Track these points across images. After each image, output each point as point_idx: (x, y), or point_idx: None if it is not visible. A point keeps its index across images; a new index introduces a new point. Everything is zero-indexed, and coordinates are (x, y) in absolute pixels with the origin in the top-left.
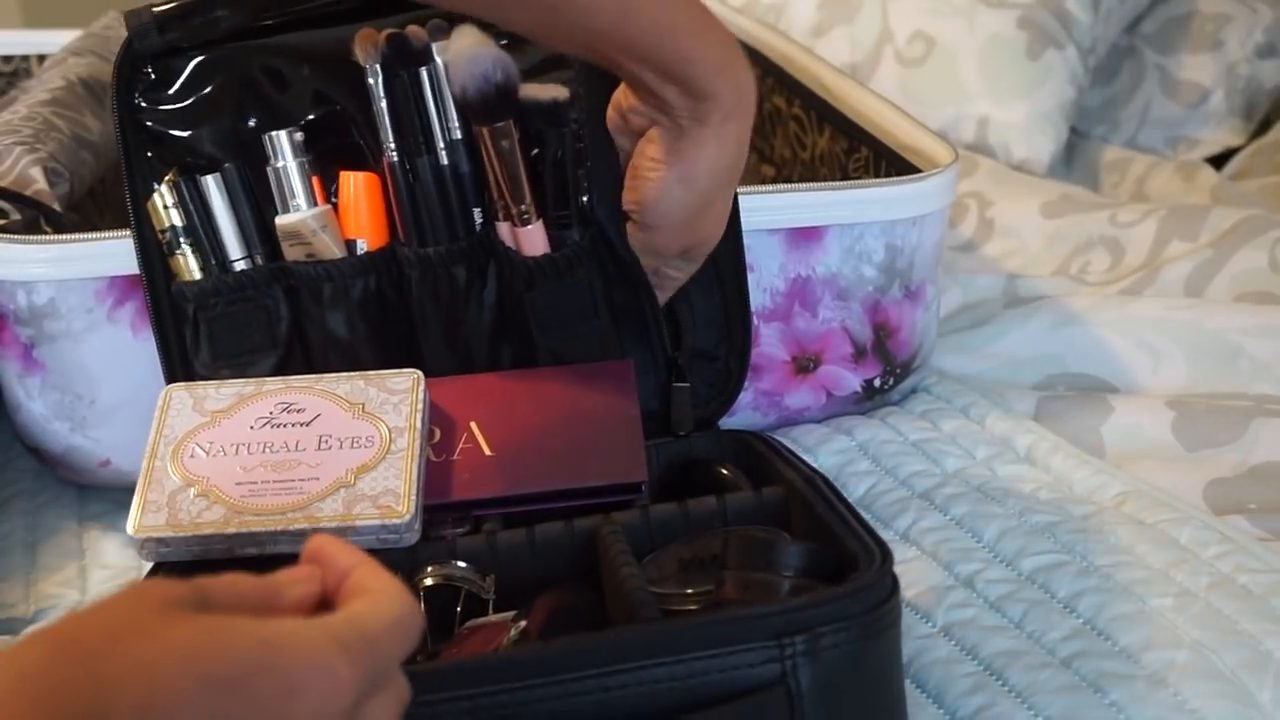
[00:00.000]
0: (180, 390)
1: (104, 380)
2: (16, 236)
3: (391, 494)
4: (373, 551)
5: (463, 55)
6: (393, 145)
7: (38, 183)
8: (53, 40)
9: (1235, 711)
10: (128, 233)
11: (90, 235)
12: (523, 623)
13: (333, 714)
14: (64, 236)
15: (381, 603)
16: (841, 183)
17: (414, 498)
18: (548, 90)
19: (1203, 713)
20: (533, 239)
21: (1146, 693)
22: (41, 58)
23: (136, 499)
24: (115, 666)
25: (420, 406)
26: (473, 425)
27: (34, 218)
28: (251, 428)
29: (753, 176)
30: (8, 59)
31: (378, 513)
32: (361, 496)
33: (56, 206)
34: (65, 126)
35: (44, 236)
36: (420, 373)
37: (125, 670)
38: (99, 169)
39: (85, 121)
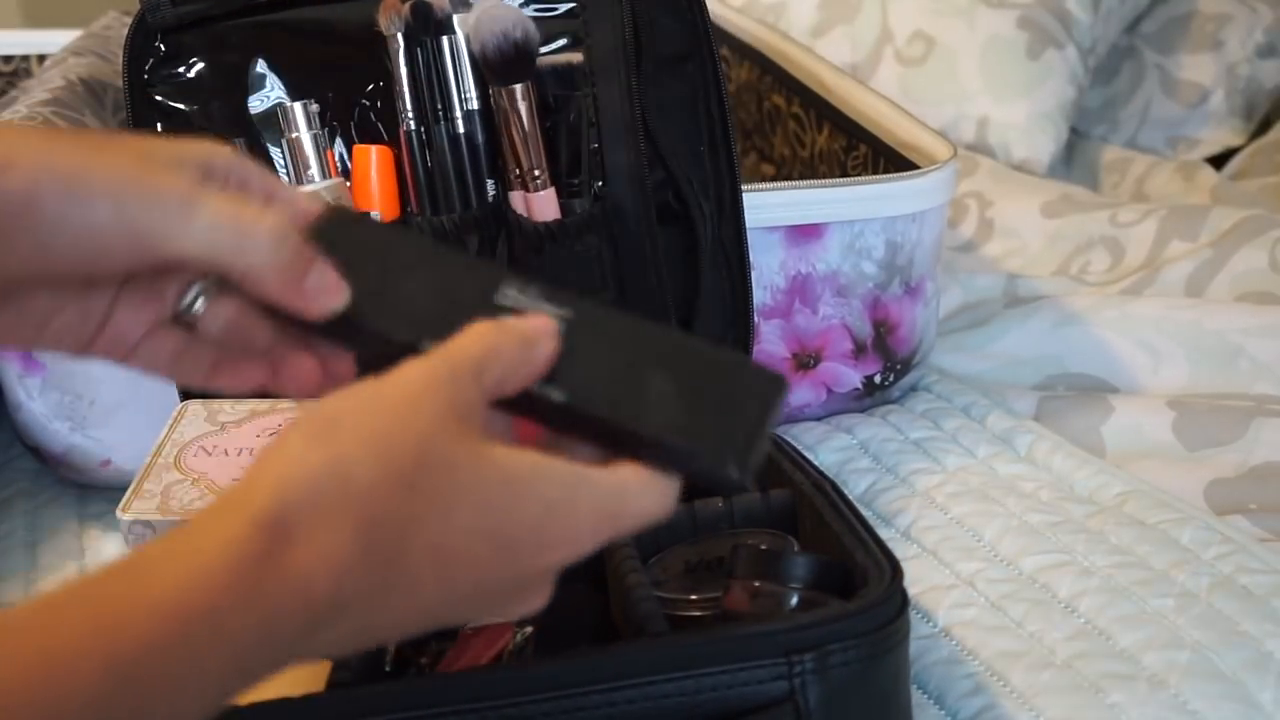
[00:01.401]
0: (196, 404)
1: (104, 380)
2: None
3: None
4: None
5: (484, 14)
6: (410, 113)
7: None
8: (53, 40)
9: (1237, 713)
10: None
11: None
12: (529, 628)
13: (558, 570)
14: None
15: (651, 491)
16: (842, 180)
17: None
18: (563, 56)
19: (1204, 714)
20: (544, 205)
21: (1148, 694)
22: (41, 58)
23: (133, 486)
24: (423, 504)
25: None
26: None
27: None
28: (258, 436)
29: (753, 175)
30: (8, 59)
31: None
32: None
33: None
34: (65, 126)
35: None
36: None
37: (430, 511)
38: None
39: (85, 121)
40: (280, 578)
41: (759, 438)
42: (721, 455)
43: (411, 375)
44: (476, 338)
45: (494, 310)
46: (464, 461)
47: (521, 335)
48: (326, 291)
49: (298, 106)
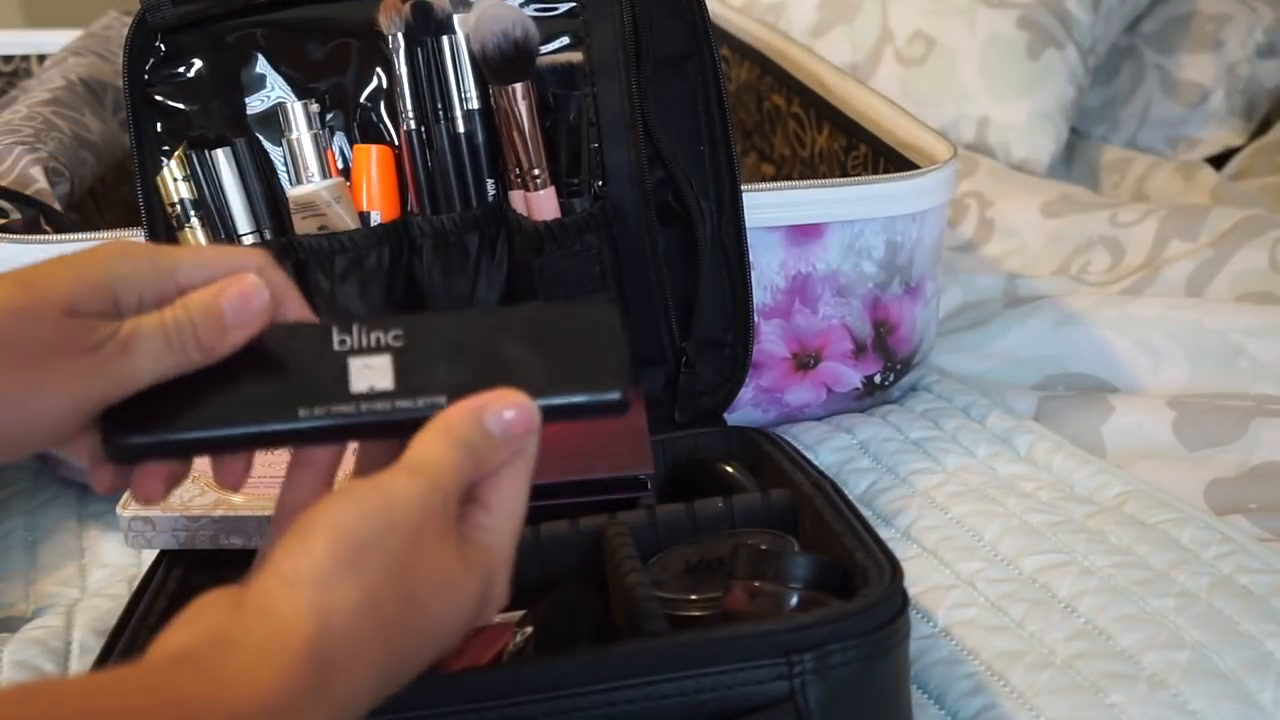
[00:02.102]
0: None
1: None
2: (17, 236)
3: None
4: None
5: (484, 13)
6: (411, 113)
7: (38, 182)
8: (53, 40)
9: (1237, 712)
10: (128, 231)
11: (90, 235)
12: (529, 628)
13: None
14: (64, 236)
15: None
16: (842, 179)
17: None
18: (563, 55)
19: (1204, 714)
20: (544, 204)
21: (1148, 694)
22: (41, 58)
23: None
24: (430, 626)
25: None
26: None
27: (34, 217)
28: None
29: (753, 175)
30: (8, 59)
31: None
32: None
33: (57, 206)
34: (65, 126)
35: (44, 236)
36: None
37: (434, 630)
38: (99, 168)
39: (85, 121)
40: (323, 703)
41: (621, 358)
42: (602, 389)
43: (412, 498)
44: (454, 457)
45: (339, 358)
46: (461, 579)
47: (501, 443)
48: (245, 304)
49: (298, 106)
